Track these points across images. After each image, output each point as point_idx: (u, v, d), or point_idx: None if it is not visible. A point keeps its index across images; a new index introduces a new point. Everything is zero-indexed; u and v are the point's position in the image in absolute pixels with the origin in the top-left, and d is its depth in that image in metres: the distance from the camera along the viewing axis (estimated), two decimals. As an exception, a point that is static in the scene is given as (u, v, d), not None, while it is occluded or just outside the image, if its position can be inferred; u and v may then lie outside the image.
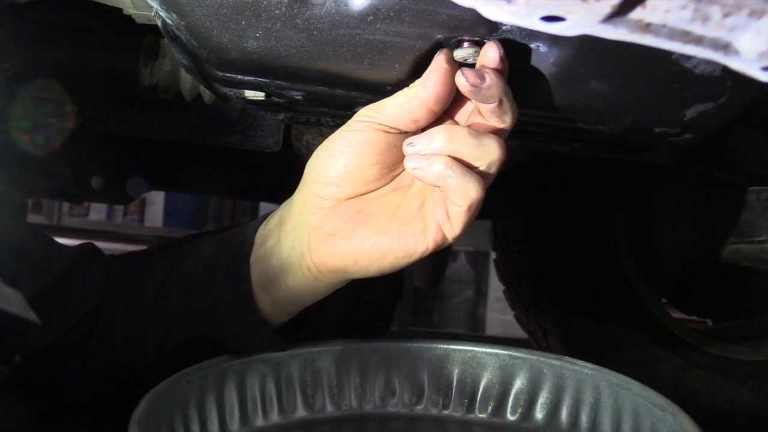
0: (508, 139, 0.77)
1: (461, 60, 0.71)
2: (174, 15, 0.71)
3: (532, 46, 0.71)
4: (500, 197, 1.43)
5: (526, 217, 1.75)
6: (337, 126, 1.00)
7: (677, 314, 1.78)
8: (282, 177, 0.94)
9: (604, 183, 1.54)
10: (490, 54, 0.68)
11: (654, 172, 1.19)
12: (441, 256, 2.04)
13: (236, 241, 0.86)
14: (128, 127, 1.22)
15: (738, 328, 1.80)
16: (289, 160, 1.21)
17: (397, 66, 0.72)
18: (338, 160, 0.77)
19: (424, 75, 0.71)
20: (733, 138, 0.98)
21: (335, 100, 0.82)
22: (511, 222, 1.80)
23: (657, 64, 0.71)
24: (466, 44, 0.70)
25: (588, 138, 0.84)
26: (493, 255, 2.04)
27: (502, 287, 1.93)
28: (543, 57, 0.72)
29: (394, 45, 0.70)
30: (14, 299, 0.55)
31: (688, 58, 0.69)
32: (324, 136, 1.13)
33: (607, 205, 1.66)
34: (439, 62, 0.70)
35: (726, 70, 0.70)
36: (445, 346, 0.91)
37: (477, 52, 0.70)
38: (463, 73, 0.68)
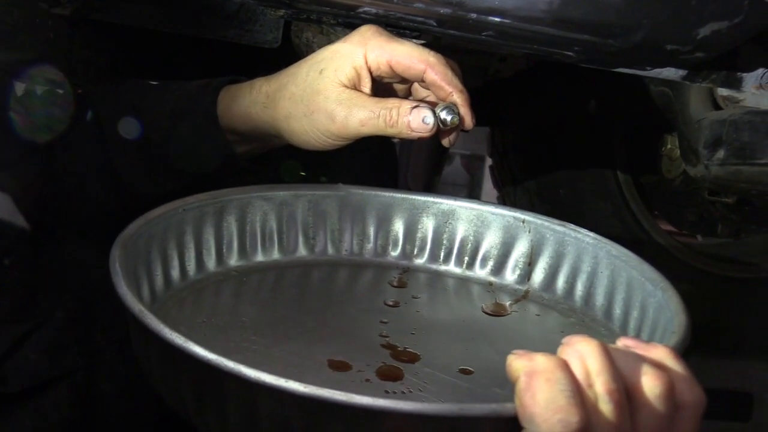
0: (513, 48, 0.77)
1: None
2: None
3: (547, -47, 0.69)
4: (501, 105, 1.42)
5: (525, 125, 1.73)
6: (339, 24, 0.97)
7: (667, 227, 1.79)
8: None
9: (605, 95, 1.52)
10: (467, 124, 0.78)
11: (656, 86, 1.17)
12: (438, 158, 2.03)
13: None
14: (124, 16, 1.18)
15: (726, 246, 1.82)
16: (287, 57, 1.19)
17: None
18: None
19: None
20: (742, 57, 0.95)
21: (338, 0, 0.79)
22: (510, 129, 1.79)
23: (674, -22, 0.69)
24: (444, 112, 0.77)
25: (596, 52, 0.82)
26: (488, 160, 2.03)
27: (495, 192, 1.93)
28: (557, -35, 0.69)
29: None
30: (1, 202, 0.54)
31: (708, -26, 0.66)
32: (324, 34, 1.11)
33: (607, 117, 1.65)
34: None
35: (745, -11, 0.68)
36: (452, 202, 0.90)
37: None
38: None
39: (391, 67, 0.79)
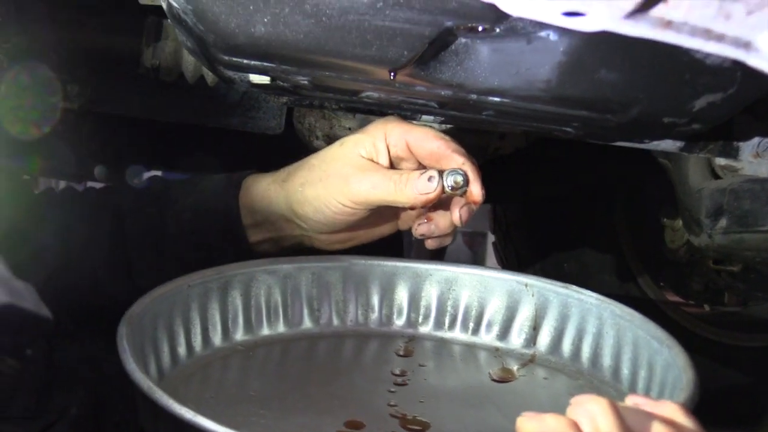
0: (513, 126, 0.80)
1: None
2: (181, -2, 0.70)
3: (542, 34, 0.70)
4: (503, 182, 1.43)
5: (527, 201, 1.75)
6: (341, 109, 1.00)
7: (674, 298, 1.78)
8: (284, 159, 0.94)
9: (606, 168, 1.54)
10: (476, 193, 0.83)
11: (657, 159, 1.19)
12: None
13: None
14: (130, 108, 1.21)
15: (735, 315, 1.81)
16: (290, 143, 1.21)
17: (405, 53, 0.71)
18: None
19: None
20: (737, 127, 0.97)
21: (341, 86, 0.81)
22: (512, 205, 1.80)
23: (667, 54, 0.71)
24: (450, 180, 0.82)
25: (594, 127, 0.84)
26: (490, 236, 2.04)
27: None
28: (552, 46, 0.71)
29: (403, 32, 0.69)
30: (26, 293, 0.55)
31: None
32: (326, 119, 1.13)
33: (608, 190, 1.66)
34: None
35: (737, 62, 0.69)
36: (455, 269, 0.91)
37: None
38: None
39: (408, 146, 0.82)
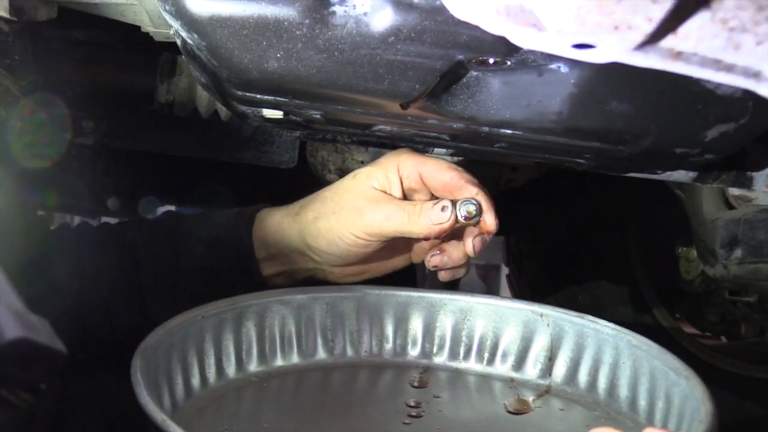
0: (525, 158, 0.80)
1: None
2: (195, 35, 0.71)
3: (553, 66, 0.71)
4: (516, 213, 1.43)
5: (540, 233, 1.75)
6: (353, 143, 1.00)
7: (690, 330, 1.77)
8: (297, 193, 0.94)
9: (619, 200, 1.54)
10: (489, 223, 0.83)
11: (670, 189, 1.19)
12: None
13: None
14: (144, 142, 1.22)
15: (752, 346, 1.79)
16: (304, 177, 1.21)
17: (417, 86, 0.72)
18: None
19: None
20: (750, 157, 0.97)
21: (354, 120, 0.82)
22: (525, 237, 1.80)
23: (679, 85, 0.71)
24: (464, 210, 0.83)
25: (606, 158, 0.84)
26: (504, 269, 2.03)
27: (514, 302, 1.92)
28: (563, 78, 0.72)
29: (415, 65, 0.70)
30: (40, 327, 0.55)
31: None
32: (339, 152, 1.14)
33: (622, 221, 1.66)
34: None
35: (748, 92, 0.70)
36: (469, 299, 0.91)
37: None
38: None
39: (421, 178, 0.83)
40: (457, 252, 0.86)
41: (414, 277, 1.18)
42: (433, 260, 0.87)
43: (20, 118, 1.00)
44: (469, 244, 0.83)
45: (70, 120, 1.09)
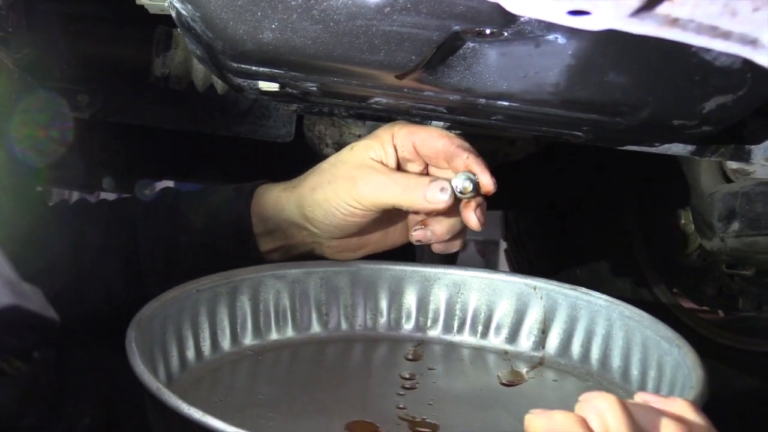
0: (523, 130, 0.80)
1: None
2: (189, 6, 0.71)
3: (550, 37, 0.70)
4: (514, 188, 1.43)
5: (538, 208, 1.74)
6: (350, 116, 1.00)
7: (688, 304, 1.77)
8: (294, 167, 0.94)
9: (617, 174, 1.53)
10: (486, 183, 0.82)
11: (668, 163, 1.18)
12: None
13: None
14: (140, 117, 1.22)
15: (749, 319, 1.79)
16: (301, 151, 1.21)
17: (413, 58, 0.71)
18: None
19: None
20: (748, 130, 0.97)
21: (350, 92, 0.81)
22: (523, 212, 1.80)
23: (677, 56, 0.70)
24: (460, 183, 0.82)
25: (604, 130, 0.84)
26: (503, 244, 2.03)
27: (512, 277, 1.92)
28: (560, 49, 0.71)
29: (411, 36, 0.69)
30: (32, 295, 0.55)
31: (709, 50, 0.68)
32: (336, 126, 1.13)
33: (620, 196, 1.65)
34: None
35: (747, 63, 0.69)
36: (462, 272, 0.91)
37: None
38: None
39: (414, 147, 0.84)
40: (440, 227, 0.85)
41: (413, 256, 1.18)
42: (416, 234, 0.86)
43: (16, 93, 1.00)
44: (473, 218, 0.83)
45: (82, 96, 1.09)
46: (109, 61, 1.10)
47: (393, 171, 0.84)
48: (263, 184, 0.94)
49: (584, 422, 0.48)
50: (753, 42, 0.42)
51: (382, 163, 0.85)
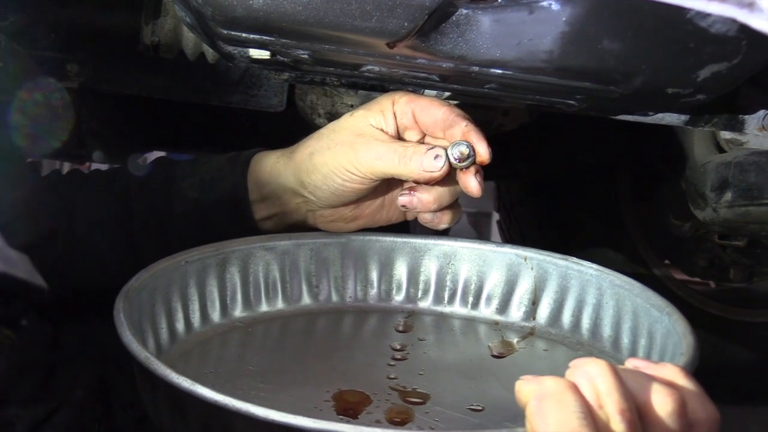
0: (516, 99, 0.79)
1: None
2: (178, -29, 0.69)
3: (544, 4, 0.70)
4: (506, 159, 1.43)
5: (531, 179, 1.74)
6: (342, 85, 0.99)
7: (680, 275, 1.78)
8: (285, 137, 0.93)
9: (609, 145, 1.53)
10: (482, 152, 0.81)
11: (660, 133, 1.18)
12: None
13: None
14: (130, 86, 1.21)
15: (740, 290, 1.80)
16: (292, 120, 1.20)
17: (405, 24, 0.70)
18: None
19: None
20: (742, 100, 0.96)
21: (342, 60, 0.80)
22: (516, 183, 1.79)
23: (671, 22, 0.70)
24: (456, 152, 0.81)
25: (597, 99, 0.83)
26: (495, 216, 2.04)
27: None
28: (554, 15, 0.70)
29: (404, 2, 0.68)
30: (19, 262, 0.55)
31: (704, 16, 0.67)
32: (328, 95, 1.12)
33: (612, 167, 1.65)
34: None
35: (742, 30, 0.69)
36: (453, 243, 0.91)
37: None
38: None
39: (413, 115, 0.84)
40: (428, 195, 0.85)
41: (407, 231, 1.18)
42: (401, 199, 0.86)
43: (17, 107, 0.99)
44: (472, 182, 0.82)
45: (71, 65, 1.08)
46: (98, 29, 1.08)
47: (392, 140, 0.84)
48: (260, 152, 0.93)
49: (575, 387, 0.48)
50: (750, 5, 0.41)
51: (382, 130, 0.85)
